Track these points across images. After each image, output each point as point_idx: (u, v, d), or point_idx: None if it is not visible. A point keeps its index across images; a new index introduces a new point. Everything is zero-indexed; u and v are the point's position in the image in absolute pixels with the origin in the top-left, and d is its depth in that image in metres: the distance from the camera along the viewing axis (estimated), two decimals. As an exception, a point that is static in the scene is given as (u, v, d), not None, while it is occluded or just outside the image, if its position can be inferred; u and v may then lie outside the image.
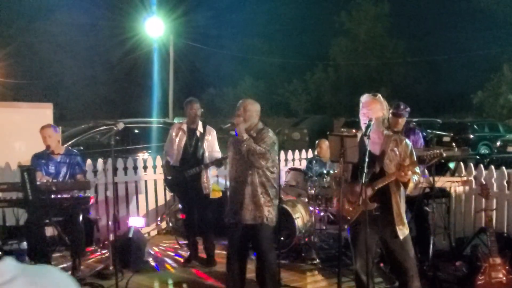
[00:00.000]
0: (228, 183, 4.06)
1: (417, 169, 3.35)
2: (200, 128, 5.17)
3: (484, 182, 4.74)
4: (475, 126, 17.82)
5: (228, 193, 4.05)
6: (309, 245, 5.40)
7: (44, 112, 6.23)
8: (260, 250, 3.94)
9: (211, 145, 5.17)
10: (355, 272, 3.55)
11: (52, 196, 4.38)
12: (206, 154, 5.09)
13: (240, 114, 3.84)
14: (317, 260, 5.14)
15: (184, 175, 5.01)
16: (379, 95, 3.38)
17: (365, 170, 3.05)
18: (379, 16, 30.70)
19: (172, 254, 5.64)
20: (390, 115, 4.79)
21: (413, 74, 30.67)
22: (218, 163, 5.15)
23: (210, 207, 5.23)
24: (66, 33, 27.56)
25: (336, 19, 31.50)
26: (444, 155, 3.10)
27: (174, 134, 5.25)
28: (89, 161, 6.05)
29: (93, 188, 5.63)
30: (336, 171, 3.73)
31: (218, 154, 5.18)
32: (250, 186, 3.82)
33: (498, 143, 15.39)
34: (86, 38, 28.05)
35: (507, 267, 4.03)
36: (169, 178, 5.30)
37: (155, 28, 20.90)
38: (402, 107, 4.80)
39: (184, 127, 5.20)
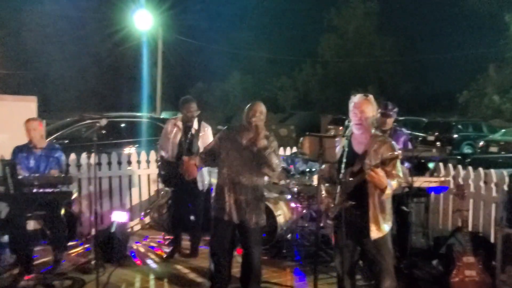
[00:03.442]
0: (216, 179, 4.02)
1: (400, 173, 3.37)
2: (195, 125, 5.26)
3: (461, 183, 4.85)
4: (459, 126, 18.07)
5: (216, 189, 4.00)
6: (290, 242, 5.47)
7: (28, 105, 6.17)
8: (248, 248, 3.96)
9: (206, 141, 5.19)
10: (335, 268, 3.63)
11: (34, 190, 4.38)
12: (201, 150, 5.13)
13: (258, 117, 3.76)
14: (298, 257, 5.21)
15: (178, 170, 5.01)
16: (371, 95, 3.40)
17: (342, 170, 3.11)
18: (367, 14, 30.89)
19: (155, 249, 5.67)
20: (378, 115, 4.85)
21: (400, 72, 30.97)
22: None
23: (201, 202, 5.31)
24: (53, 24, 27.21)
25: (325, 15, 31.62)
26: (400, 157, 3.14)
27: (169, 129, 5.31)
28: (72, 155, 6.04)
29: (76, 182, 5.65)
30: (321, 169, 3.76)
31: None
32: (249, 188, 3.80)
33: (481, 143, 15.64)
34: (73, 30, 27.72)
35: (480, 266, 4.15)
36: (164, 173, 5.34)
37: (143, 21, 20.75)
38: (390, 107, 4.83)
39: (179, 123, 5.26)
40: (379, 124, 4.84)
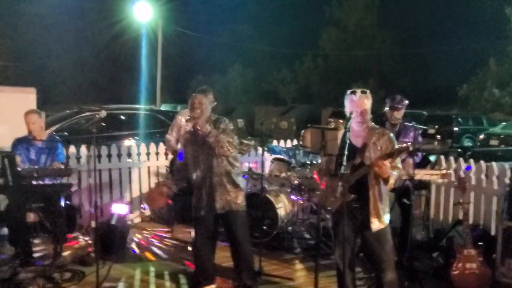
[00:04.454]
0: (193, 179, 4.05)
1: (399, 164, 3.39)
2: (212, 116, 5.09)
3: (462, 176, 4.83)
4: (459, 119, 18.04)
5: (193, 189, 4.04)
6: (291, 234, 5.46)
7: (27, 97, 6.16)
8: (235, 239, 4.01)
9: None
10: (335, 262, 3.63)
11: (34, 182, 4.36)
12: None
13: (197, 107, 3.86)
14: (299, 250, 5.21)
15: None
16: (367, 90, 3.41)
17: (344, 163, 3.09)
18: (368, 7, 30.72)
19: (155, 241, 5.67)
20: (387, 108, 4.80)
21: (401, 66, 30.86)
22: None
23: None
24: (52, 14, 27.07)
25: (327, 8, 31.46)
26: (411, 149, 3.12)
27: (184, 122, 5.15)
28: (72, 148, 6.02)
29: (76, 174, 5.63)
30: (319, 163, 3.75)
31: None
32: (216, 177, 3.90)
33: (481, 136, 15.61)
34: (73, 21, 27.61)
35: (480, 259, 4.14)
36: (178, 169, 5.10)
37: (143, 13, 20.67)
38: (397, 100, 4.74)
39: None
40: (388, 117, 4.79)
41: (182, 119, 5.16)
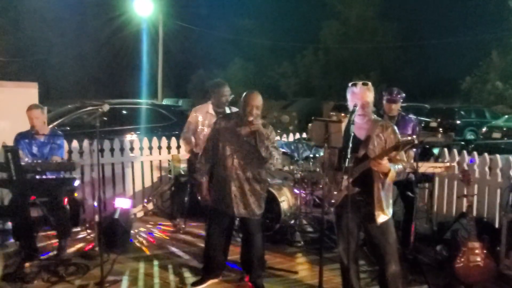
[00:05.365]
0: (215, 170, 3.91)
1: (403, 157, 3.38)
2: (228, 111, 4.89)
3: (466, 168, 4.81)
4: (462, 112, 17.99)
5: (216, 180, 3.95)
6: (294, 228, 5.46)
7: (29, 92, 6.14)
8: (249, 235, 4.01)
9: None
10: (338, 255, 3.62)
11: (37, 176, 4.36)
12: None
13: (259, 108, 3.72)
14: (302, 243, 5.21)
15: None
16: (369, 83, 3.38)
17: (348, 155, 3.07)
18: (370, 0, 30.58)
19: (158, 235, 5.67)
20: (384, 101, 4.79)
21: (403, 58, 30.77)
22: None
23: None
24: (53, 9, 26.99)
25: (328, 1, 31.32)
26: (416, 142, 3.10)
27: (200, 119, 4.95)
28: (74, 142, 6.02)
29: (79, 169, 5.63)
30: (322, 156, 3.74)
31: None
32: (248, 181, 3.82)
33: (484, 129, 15.58)
34: (73, 16, 27.52)
35: (485, 251, 4.13)
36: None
37: (144, 7, 20.60)
38: (395, 92, 4.74)
39: (211, 111, 4.95)
40: (386, 110, 4.78)
41: (199, 116, 4.95)
